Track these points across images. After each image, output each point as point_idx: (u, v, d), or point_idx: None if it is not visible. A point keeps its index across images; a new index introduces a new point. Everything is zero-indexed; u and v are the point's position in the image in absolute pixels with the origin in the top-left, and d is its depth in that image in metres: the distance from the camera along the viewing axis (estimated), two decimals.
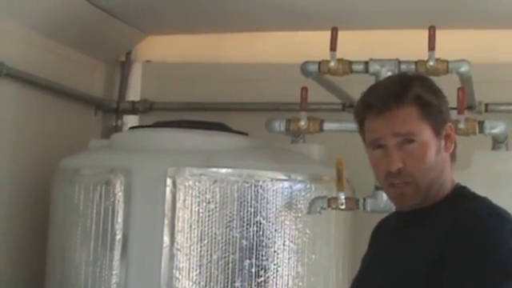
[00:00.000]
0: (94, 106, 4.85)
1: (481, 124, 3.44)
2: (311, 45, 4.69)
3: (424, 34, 3.41)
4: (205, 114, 4.77)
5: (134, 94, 5.03)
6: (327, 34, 3.54)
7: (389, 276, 2.14)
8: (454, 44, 4.19)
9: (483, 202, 2.14)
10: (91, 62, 4.77)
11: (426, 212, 2.15)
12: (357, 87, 3.65)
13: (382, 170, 2.14)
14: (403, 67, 3.45)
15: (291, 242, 3.55)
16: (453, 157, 2.21)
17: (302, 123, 3.56)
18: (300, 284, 3.56)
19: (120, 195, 3.55)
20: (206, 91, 4.87)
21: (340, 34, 3.52)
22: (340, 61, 3.49)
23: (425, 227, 2.13)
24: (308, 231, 3.59)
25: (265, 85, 4.78)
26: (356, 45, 4.35)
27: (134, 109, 4.98)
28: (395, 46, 4.46)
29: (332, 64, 3.47)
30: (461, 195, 2.18)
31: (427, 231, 2.11)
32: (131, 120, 5.01)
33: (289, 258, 3.56)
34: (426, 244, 2.08)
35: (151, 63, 5.06)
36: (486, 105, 4.46)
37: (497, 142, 3.75)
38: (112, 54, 4.94)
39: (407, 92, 2.12)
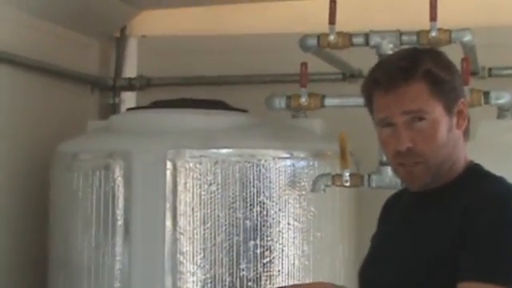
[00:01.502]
0: (90, 85, 4.75)
1: (486, 94, 3.36)
2: (311, 13, 4.59)
3: None
4: (203, 88, 4.69)
5: (130, 70, 4.93)
6: (327, 1, 3.43)
7: (402, 263, 2.07)
8: (455, 5, 4.09)
9: (499, 183, 2.06)
10: (84, 40, 4.66)
11: (439, 191, 2.08)
12: (358, 56, 3.60)
13: (391, 149, 2.07)
14: (404, 38, 3.35)
15: (296, 220, 3.49)
16: (466, 133, 2.12)
17: (303, 100, 3.48)
18: (306, 263, 3.51)
19: (120, 180, 3.48)
20: (204, 65, 4.77)
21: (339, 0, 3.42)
22: (339, 34, 3.39)
23: (438, 208, 2.06)
24: (312, 209, 3.53)
25: (265, 56, 4.67)
26: (355, 12, 4.26)
27: (130, 85, 4.89)
28: (395, 12, 4.39)
29: (331, 38, 3.38)
30: (475, 174, 2.11)
31: (441, 213, 2.04)
32: (128, 97, 4.92)
33: (294, 237, 3.49)
34: (439, 228, 2.01)
35: (147, 38, 4.96)
36: (490, 69, 4.36)
37: (502, 111, 3.66)
38: (106, 30, 4.84)
39: (417, 67, 2.03)
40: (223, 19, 4.85)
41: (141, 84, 4.87)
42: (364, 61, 3.88)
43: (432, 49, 2.16)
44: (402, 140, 2.02)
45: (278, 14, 4.73)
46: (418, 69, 2.03)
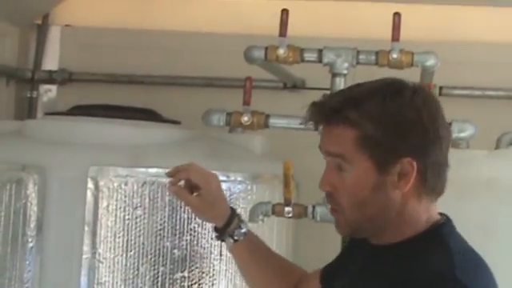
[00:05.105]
0: (6, 76, 4.33)
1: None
2: (252, 13, 4.27)
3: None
4: (130, 88, 4.32)
5: (51, 62, 4.51)
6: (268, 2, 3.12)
7: None
8: (407, 19, 3.81)
9: (448, 259, 1.78)
10: (2, 26, 4.24)
11: (388, 250, 1.86)
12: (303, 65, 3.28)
13: None
14: (362, 58, 3.03)
15: None
16: (428, 191, 1.83)
17: (245, 119, 3.12)
18: None
19: (33, 197, 3.07)
20: (133, 62, 4.40)
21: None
22: (290, 48, 3.04)
23: (377, 272, 1.85)
24: None
25: (199, 56, 4.33)
26: (308, 17, 3.97)
27: (51, 79, 4.48)
28: (352, 20, 4.11)
29: (281, 51, 3.03)
30: (430, 238, 1.84)
31: (377, 279, 1.82)
32: (48, 91, 4.50)
33: (226, 270, 3.15)
34: None
35: (71, 28, 4.54)
36: (441, 88, 4.10)
37: (457, 138, 3.37)
38: (27, 16, 4.39)
39: (340, 111, 1.80)
40: (156, 12, 4.48)
41: (62, 78, 4.47)
42: (309, 70, 3.61)
43: (385, 91, 1.81)
44: (322, 181, 1.86)
45: (217, 12, 4.38)
46: (341, 113, 1.80)
